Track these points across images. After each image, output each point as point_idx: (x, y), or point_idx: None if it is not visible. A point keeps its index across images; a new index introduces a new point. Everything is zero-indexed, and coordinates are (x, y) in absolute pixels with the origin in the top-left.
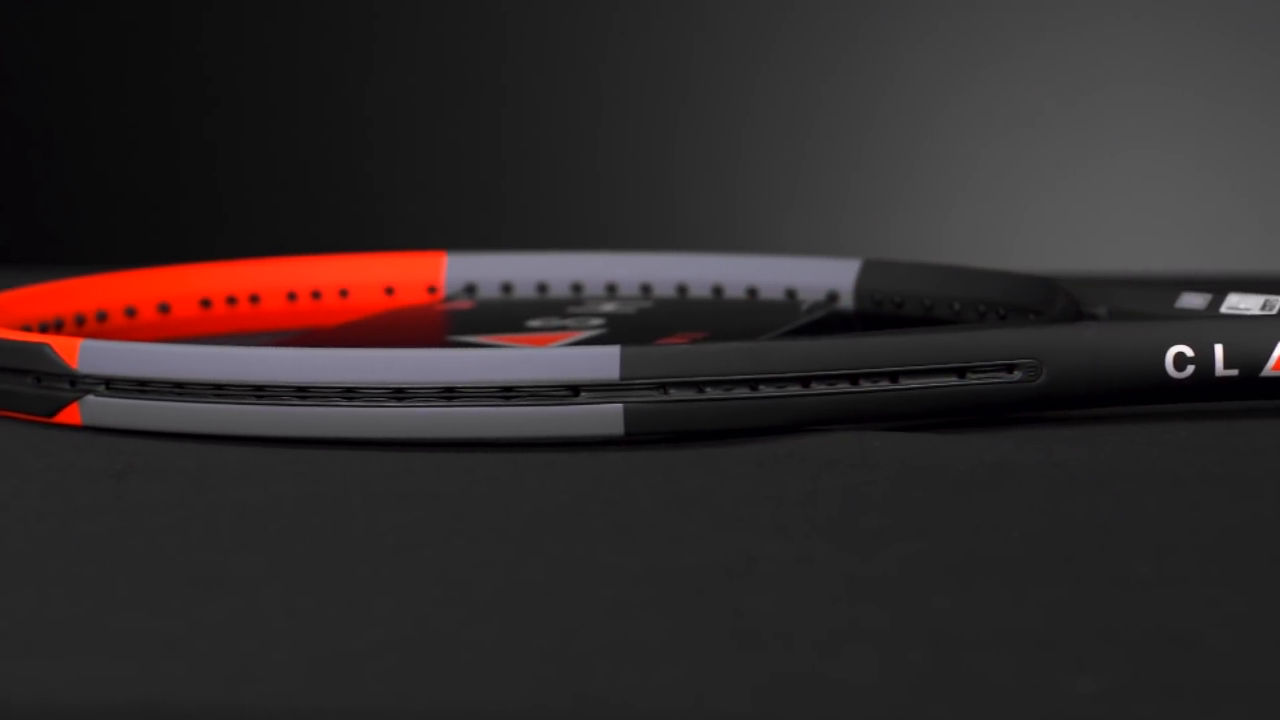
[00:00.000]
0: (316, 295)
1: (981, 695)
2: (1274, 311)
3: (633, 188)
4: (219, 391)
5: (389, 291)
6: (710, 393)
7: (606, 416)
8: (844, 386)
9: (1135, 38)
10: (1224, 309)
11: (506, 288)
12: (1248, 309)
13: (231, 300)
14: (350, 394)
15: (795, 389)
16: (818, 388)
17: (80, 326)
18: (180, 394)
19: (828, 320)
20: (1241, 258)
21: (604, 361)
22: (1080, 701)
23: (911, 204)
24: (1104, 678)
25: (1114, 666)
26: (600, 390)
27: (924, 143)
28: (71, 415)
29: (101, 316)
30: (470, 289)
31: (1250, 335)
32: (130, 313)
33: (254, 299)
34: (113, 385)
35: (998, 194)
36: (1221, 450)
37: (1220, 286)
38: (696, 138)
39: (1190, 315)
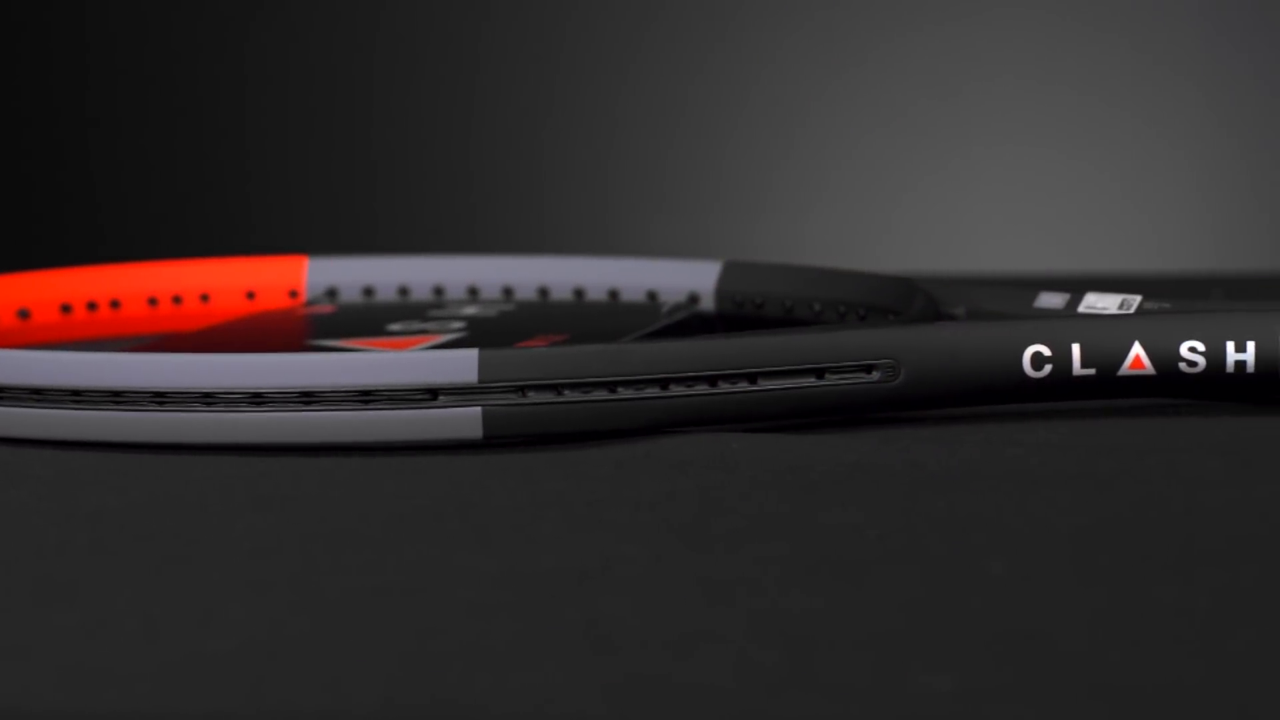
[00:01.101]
0: (178, 300)
1: (836, 696)
2: (1131, 311)
3: (496, 191)
4: (77, 397)
5: (250, 296)
6: (568, 395)
7: (465, 420)
8: (702, 388)
9: (993, 39)
10: (1082, 308)
11: (368, 291)
12: (1105, 308)
13: (92, 306)
14: (208, 399)
15: (653, 391)
16: (676, 389)
17: None
18: (38, 400)
19: (688, 322)
20: (1100, 257)
21: (462, 365)
22: (935, 701)
23: (776, 206)
24: (959, 677)
25: (969, 665)
26: (458, 393)
27: (788, 145)
28: None
29: None
30: (332, 293)
31: (1107, 335)
32: None
33: (115, 304)
34: None
35: (861, 195)
36: (1078, 449)
37: (1079, 286)
38: (562, 141)
39: (1048, 315)
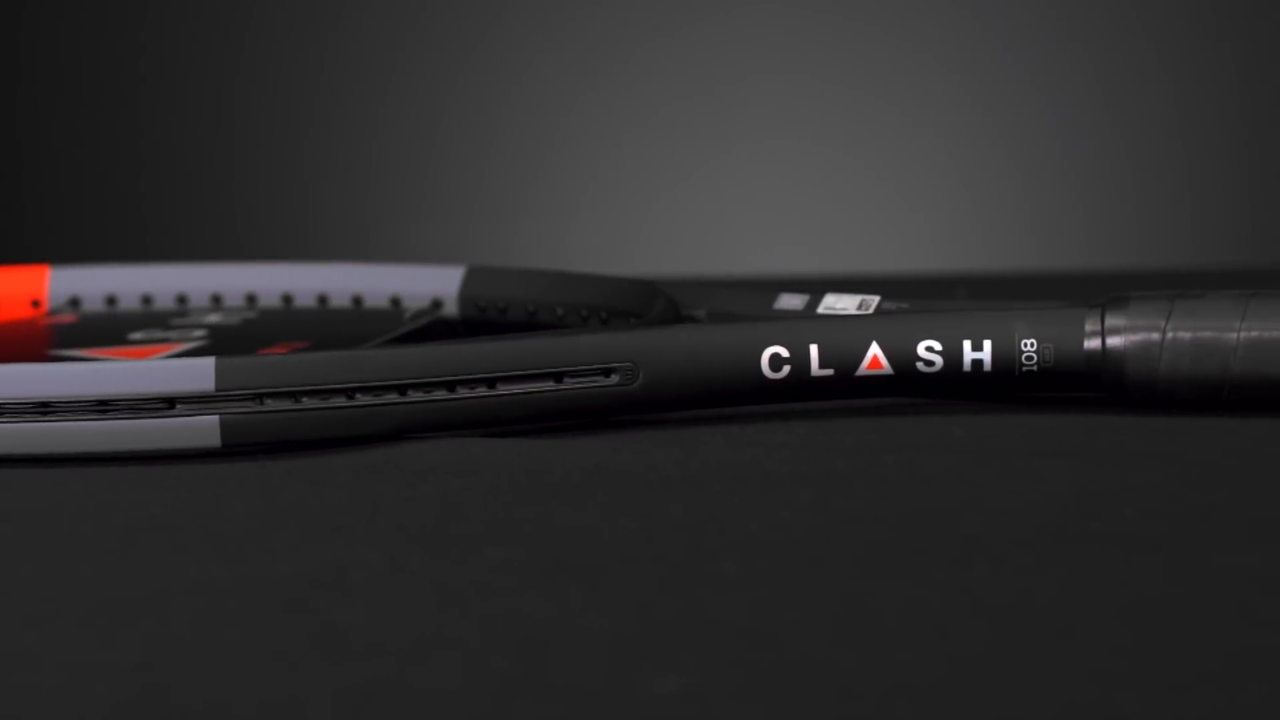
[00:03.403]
0: None
1: (565, 698)
2: (870, 311)
3: (247, 199)
4: None
5: None
6: (307, 402)
7: (203, 428)
8: (441, 394)
9: (741, 38)
10: (821, 309)
11: (111, 300)
12: (844, 309)
13: None
14: None
15: (392, 397)
16: (415, 395)
17: None
18: None
19: (431, 327)
20: (855, 258)
21: (199, 373)
22: (664, 702)
23: (534, 210)
24: (690, 678)
25: (700, 667)
26: (196, 402)
27: (544, 150)
28: None
29: None
30: (74, 302)
31: (845, 335)
32: None
33: None
34: None
35: (617, 199)
36: (816, 449)
37: (821, 287)
38: (316, 147)
39: (787, 316)
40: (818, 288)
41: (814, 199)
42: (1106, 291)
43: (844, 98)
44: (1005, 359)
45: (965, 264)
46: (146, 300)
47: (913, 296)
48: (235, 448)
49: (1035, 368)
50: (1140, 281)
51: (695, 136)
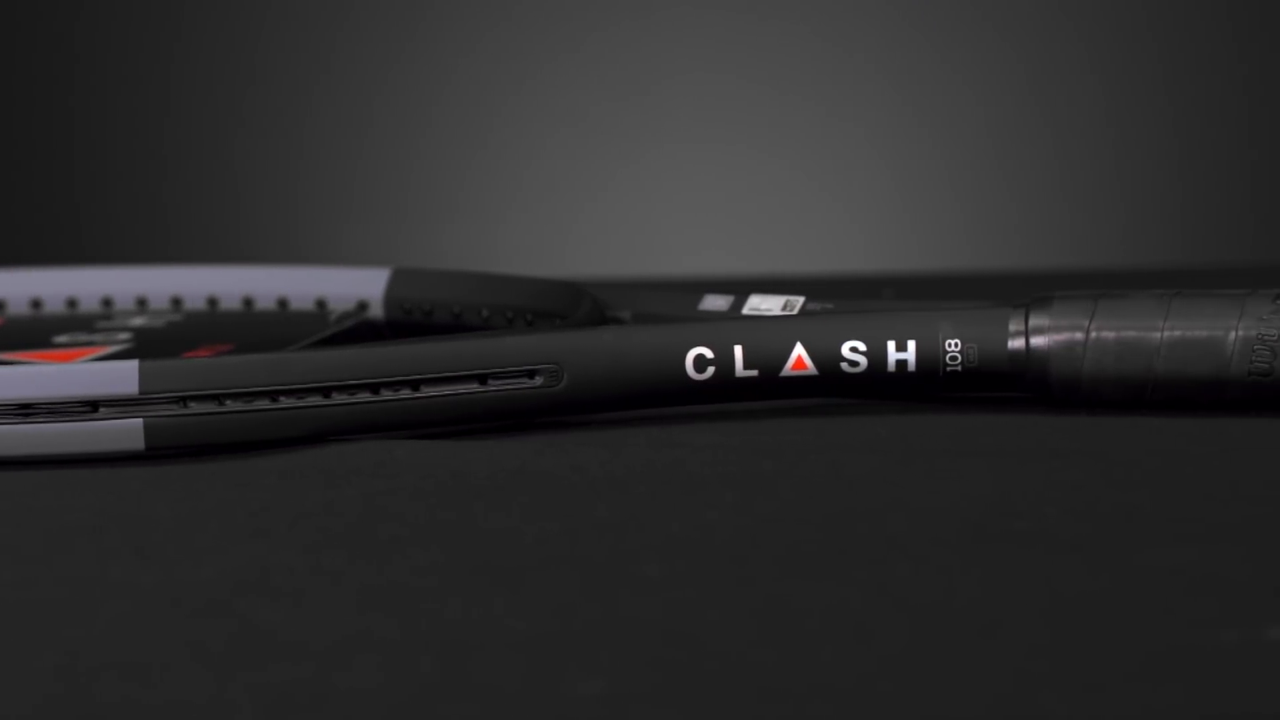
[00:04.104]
0: None
1: (486, 700)
2: (794, 312)
3: (173, 200)
4: None
5: None
6: (231, 405)
7: (126, 431)
8: (365, 396)
9: (669, 45)
10: (746, 310)
11: (36, 303)
12: (769, 310)
13: None
14: None
15: (316, 400)
16: (339, 398)
17: None
18: None
19: (357, 330)
20: (772, 260)
21: (122, 376)
22: (584, 704)
23: (467, 211)
24: (610, 680)
25: (620, 669)
26: (119, 405)
27: (473, 152)
28: None
29: None
30: None
31: (769, 336)
32: None
33: None
34: None
35: (546, 201)
36: (741, 451)
37: (746, 288)
38: (247, 149)
39: (712, 317)
40: (743, 289)
41: (741, 200)
42: (1035, 291)
43: (770, 98)
44: (929, 359)
45: (894, 264)
46: (71, 303)
47: (839, 297)
48: (159, 451)
49: (959, 368)
50: (1070, 281)
51: (622, 139)
